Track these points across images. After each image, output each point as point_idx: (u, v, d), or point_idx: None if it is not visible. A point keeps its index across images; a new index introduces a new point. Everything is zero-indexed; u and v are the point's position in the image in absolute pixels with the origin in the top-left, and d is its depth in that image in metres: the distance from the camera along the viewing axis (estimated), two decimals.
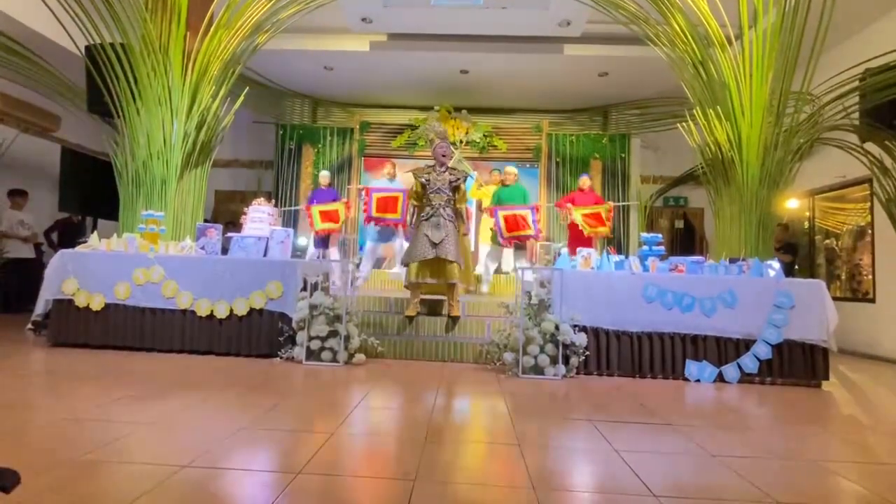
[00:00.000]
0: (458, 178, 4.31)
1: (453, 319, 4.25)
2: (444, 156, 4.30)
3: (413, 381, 3.36)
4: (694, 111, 5.41)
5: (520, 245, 5.83)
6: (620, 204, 8.03)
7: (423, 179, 4.27)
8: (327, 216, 6.22)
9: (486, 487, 1.66)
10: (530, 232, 5.62)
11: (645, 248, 4.23)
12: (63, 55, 5.71)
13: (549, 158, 8.33)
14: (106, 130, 5.44)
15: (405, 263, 4.25)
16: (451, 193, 4.26)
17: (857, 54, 5.37)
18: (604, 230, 5.97)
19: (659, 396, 3.16)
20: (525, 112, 8.59)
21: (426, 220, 4.18)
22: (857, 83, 5.09)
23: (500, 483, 1.70)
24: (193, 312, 3.99)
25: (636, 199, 8.24)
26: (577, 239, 5.90)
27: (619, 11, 5.36)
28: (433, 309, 4.44)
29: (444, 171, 4.28)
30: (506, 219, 5.63)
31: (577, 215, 5.95)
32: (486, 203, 6.44)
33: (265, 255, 4.25)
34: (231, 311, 3.98)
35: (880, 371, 4.72)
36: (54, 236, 7.01)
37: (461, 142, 8.31)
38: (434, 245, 4.09)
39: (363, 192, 5.95)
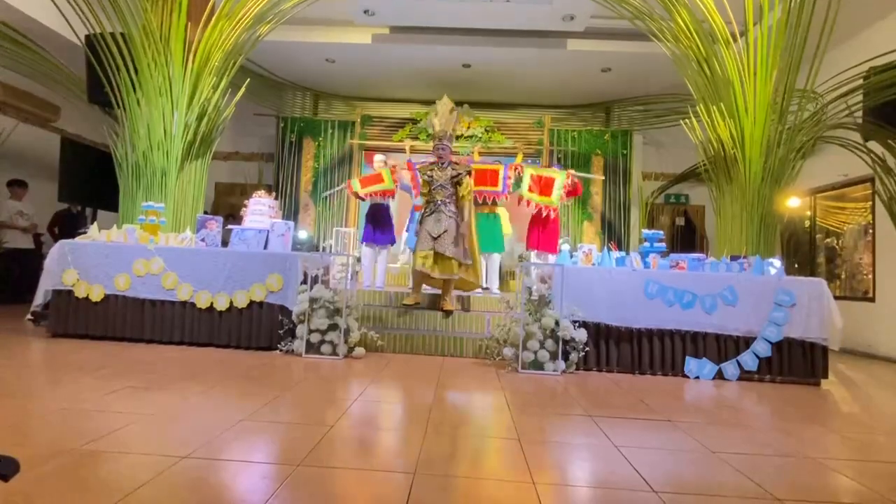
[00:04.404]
0: (459, 173, 4.34)
1: (445, 313, 4.28)
2: (441, 156, 4.36)
3: (413, 375, 3.36)
4: (697, 108, 5.39)
5: (488, 211, 5.27)
6: (584, 175, 7.41)
7: (427, 177, 4.35)
8: (369, 180, 5.46)
9: (486, 481, 1.66)
10: (497, 189, 5.14)
11: (646, 244, 4.23)
12: (63, 45, 5.68)
13: (550, 154, 8.30)
14: (106, 121, 5.42)
15: (414, 252, 4.33)
16: (452, 189, 4.30)
17: (862, 52, 5.34)
18: (549, 201, 5.19)
19: (659, 393, 3.16)
20: (527, 107, 8.55)
21: (429, 215, 4.27)
22: (860, 81, 5.07)
23: (500, 477, 1.70)
24: (193, 304, 3.98)
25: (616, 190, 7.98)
26: (534, 222, 5.29)
27: (623, 6, 5.33)
28: (433, 303, 4.44)
29: (446, 167, 4.33)
30: (477, 172, 5.12)
31: (526, 175, 5.28)
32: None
33: (265, 247, 4.25)
34: (231, 303, 3.98)
35: (879, 370, 4.73)
36: (56, 229, 6.99)
37: (461, 136, 8.26)
38: (433, 239, 4.16)
39: (348, 190, 5.62)
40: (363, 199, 5.57)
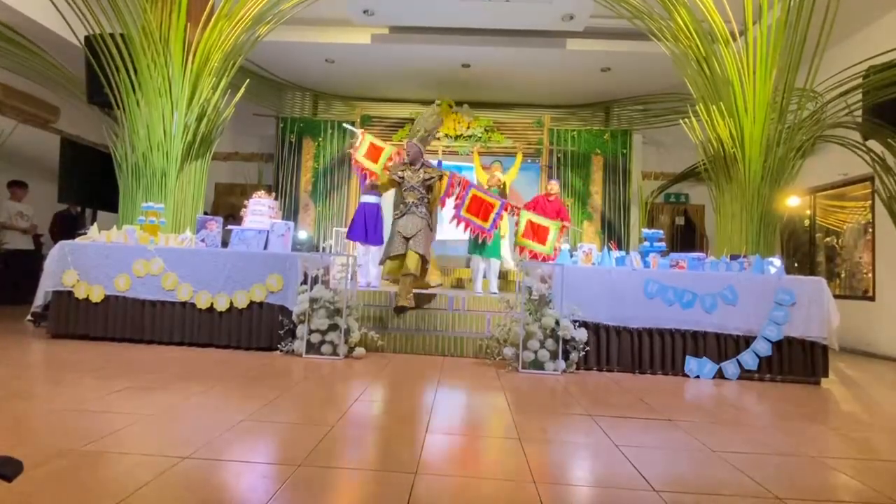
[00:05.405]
0: (432, 178, 4.35)
1: (399, 309, 4.23)
2: (409, 155, 4.38)
3: (413, 374, 3.36)
4: (696, 107, 5.39)
5: (479, 243, 5.21)
6: (575, 229, 7.29)
7: (398, 176, 4.34)
8: (372, 152, 5.24)
9: (487, 481, 1.66)
10: (486, 226, 5.02)
11: (646, 244, 4.23)
12: (63, 46, 5.68)
13: (550, 154, 8.30)
14: (106, 121, 5.42)
15: (382, 261, 4.36)
16: (424, 192, 4.32)
17: (861, 51, 5.35)
18: (544, 249, 5.05)
19: (659, 392, 3.16)
20: (527, 107, 8.56)
21: (400, 217, 4.30)
22: (860, 80, 5.07)
23: (501, 477, 1.70)
24: (193, 305, 3.98)
25: (573, 227, 7.78)
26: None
27: (622, 6, 5.34)
28: (428, 303, 4.43)
29: (419, 169, 4.34)
30: (473, 198, 5.03)
31: (523, 218, 5.17)
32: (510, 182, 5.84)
33: (265, 248, 4.25)
34: (231, 303, 3.97)
35: (879, 369, 4.73)
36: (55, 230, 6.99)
37: (460, 136, 8.26)
38: (406, 240, 4.21)
39: (359, 134, 5.40)
40: (356, 164, 5.34)
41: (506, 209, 5.29)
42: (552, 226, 5.25)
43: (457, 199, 5.17)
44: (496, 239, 5.41)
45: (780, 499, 1.59)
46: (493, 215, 5.11)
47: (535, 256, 5.27)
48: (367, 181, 5.34)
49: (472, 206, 5.10)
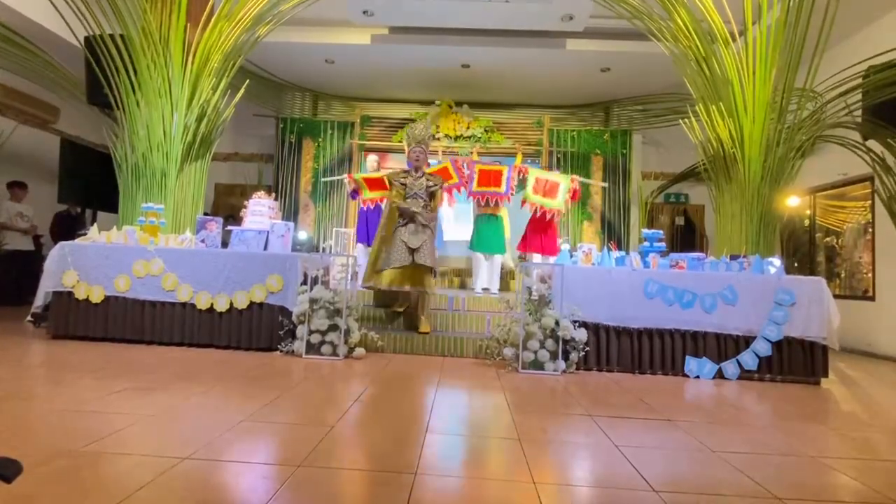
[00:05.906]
0: (435, 185, 4.24)
1: (422, 335, 4.14)
2: (417, 160, 4.24)
3: (413, 375, 3.36)
4: (696, 107, 5.40)
5: (490, 212, 5.30)
6: (587, 181, 7.08)
7: (400, 183, 4.22)
8: (375, 184, 5.56)
9: (487, 481, 1.66)
10: (501, 190, 5.16)
11: (646, 244, 4.23)
12: (62, 46, 5.68)
13: (550, 154, 8.30)
14: (105, 122, 5.42)
15: (380, 270, 4.13)
16: (427, 199, 4.20)
17: (861, 51, 5.35)
18: (554, 204, 5.27)
19: (659, 392, 3.16)
20: (526, 107, 8.56)
21: (403, 226, 4.11)
22: (860, 80, 5.07)
23: (501, 477, 1.70)
24: (193, 305, 3.98)
25: (604, 182, 7.91)
26: (535, 227, 5.37)
27: (622, 6, 5.34)
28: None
29: (421, 177, 4.23)
30: (480, 172, 5.28)
31: (532, 176, 5.32)
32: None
33: (265, 248, 4.25)
34: (231, 304, 3.97)
35: (879, 369, 4.73)
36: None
37: (460, 136, 8.26)
38: (412, 251, 4.05)
39: (348, 180, 5.76)
40: (362, 202, 5.55)
41: (515, 170, 5.32)
42: (562, 180, 5.30)
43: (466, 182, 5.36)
44: (500, 235, 5.42)
45: (779, 499, 1.59)
46: (504, 179, 5.17)
47: (539, 219, 5.28)
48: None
49: (482, 179, 5.20)
